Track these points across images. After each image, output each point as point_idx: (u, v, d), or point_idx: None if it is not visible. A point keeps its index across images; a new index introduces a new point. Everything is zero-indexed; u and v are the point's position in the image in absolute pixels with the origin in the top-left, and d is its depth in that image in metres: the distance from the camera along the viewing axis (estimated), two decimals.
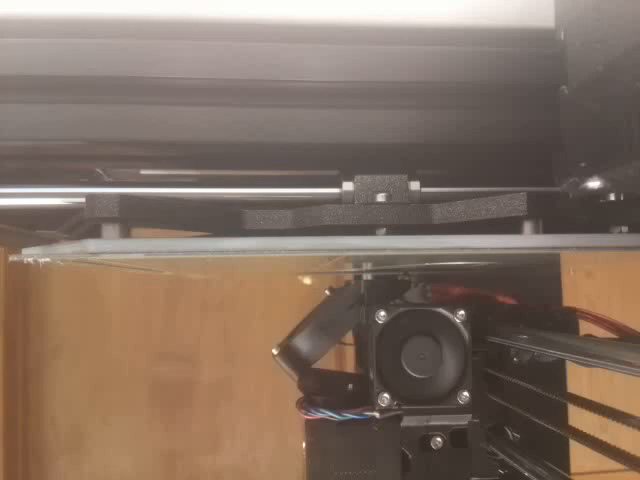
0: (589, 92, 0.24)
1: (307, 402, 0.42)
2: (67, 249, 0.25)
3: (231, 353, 1.10)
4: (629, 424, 0.27)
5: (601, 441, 0.29)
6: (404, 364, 0.40)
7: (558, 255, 0.33)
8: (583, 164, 0.25)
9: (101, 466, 1.07)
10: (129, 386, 1.07)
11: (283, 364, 0.46)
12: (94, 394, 1.06)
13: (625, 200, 0.30)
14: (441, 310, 0.42)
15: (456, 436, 0.42)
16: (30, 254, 0.25)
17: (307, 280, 0.53)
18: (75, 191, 0.33)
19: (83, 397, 1.06)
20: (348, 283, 0.53)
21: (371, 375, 0.41)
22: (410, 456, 0.42)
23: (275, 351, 0.46)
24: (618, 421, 0.27)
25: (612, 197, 0.30)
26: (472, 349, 0.41)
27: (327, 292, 0.56)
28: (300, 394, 0.44)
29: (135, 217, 0.26)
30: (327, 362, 1.00)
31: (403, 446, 0.41)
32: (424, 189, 0.32)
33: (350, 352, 0.75)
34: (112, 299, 1.08)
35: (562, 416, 0.49)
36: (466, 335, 0.41)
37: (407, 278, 0.48)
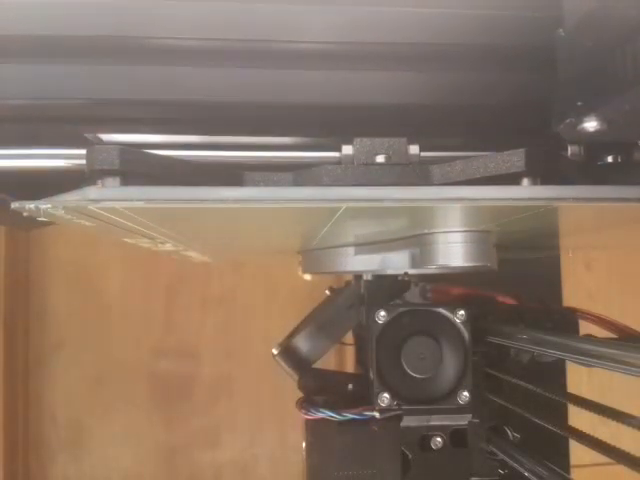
0: (584, 30, 0.24)
1: (307, 402, 0.42)
2: (68, 197, 0.25)
3: (231, 348, 1.10)
4: (629, 424, 0.27)
5: (601, 441, 0.29)
6: (404, 364, 0.40)
7: (557, 220, 0.33)
8: (579, 103, 0.24)
9: (101, 461, 1.07)
10: (129, 381, 1.07)
11: (283, 364, 0.46)
12: (94, 389, 1.07)
13: (622, 163, 0.30)
14: (441, 310, 0.42)
15: (456, 436, 0.42)
16: (32, 202, 0.25)
17: (307, 276, 0.53)
18: (75, 152, 0.33)
19: (83, 392, 1.06)
20: (348, 283, 0.53)
21: (371, 375, 0.41)
22: (410, 456, 0.42)
23: (275, 351, 0.46)
24: (618, 421, 0.27)
25: (610, 159, 0.30)
26: (472, 349, 0.41)
27: (327, 292, 0.56)
28: (300, 394, 0.44)
29: (135, 170, 0.26)
30: (327, 362, 1.00)
31: (403, 446, 0.41)
32: (423, 153, 0.32)
33: (350, 352, 0.75)
34: (112, 294, 1.08)
35: (562, 416, 0.49)
36: (466, 335, 0.41)
37: (407, 278, 0.47)
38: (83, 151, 0.27)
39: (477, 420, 0.42)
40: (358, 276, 0.49)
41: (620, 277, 1.17)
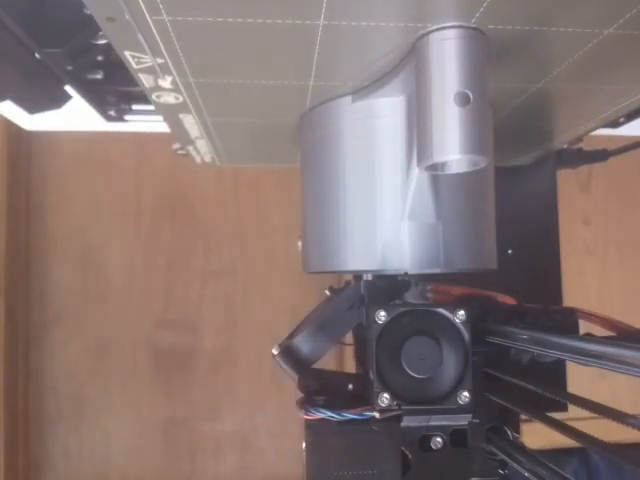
0: None
1: (307, 402, 0.42)
2: None
3: (232, 321, 1.11)
4: (629, 424, 0.27)
5: (602, 442, 0.29)
6: (404, 364, 0.40)
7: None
8: None
9: (101, 433, 1.07)
10: (130, 354, 1.08)
11: (283, 364, 0.46)
12: (95, 362, 1.07)
13: None
14: (441, 310, 0.42)
15: (456, 436, 0.42)
16: None
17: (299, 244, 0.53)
18: None
19: (84, 365, 1.07)
20: (348, 283, 0.53)
21: (371, 375, 0.41)
22: (410, 456, 0.42)
23: (275, 351, 0.46)
24: (618, 421, 0.27)
25: None
26: (472, 349, 0.41)
27: (327, 292, 0.56)
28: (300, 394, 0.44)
29: None
30: (327, 362, 1.00)
31: (403, 446, 0.41)
32: None
33: (350, 352, 0.75)
34: (113, 267, 1.09)
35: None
36: (466, 335, 0.41)
37: (407, 278, 0.47)
38: None
39: (477, 420, 0.42)
40: (358, 276, 0.49)
41: (618, 231, 1.18)
